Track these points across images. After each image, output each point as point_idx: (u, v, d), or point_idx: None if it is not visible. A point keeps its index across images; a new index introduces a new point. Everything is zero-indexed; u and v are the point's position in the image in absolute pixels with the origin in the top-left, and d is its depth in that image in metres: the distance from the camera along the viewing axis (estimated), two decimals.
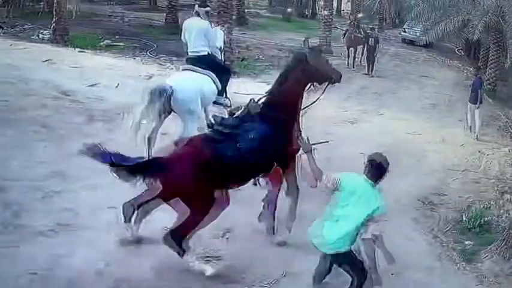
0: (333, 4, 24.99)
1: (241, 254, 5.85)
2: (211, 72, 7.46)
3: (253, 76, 14.72)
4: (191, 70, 7.51)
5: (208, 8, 7.74)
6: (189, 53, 7.65)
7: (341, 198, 4.70)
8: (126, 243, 5.66)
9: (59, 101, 10.07)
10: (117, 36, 17.95)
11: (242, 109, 5.72)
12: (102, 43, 16.66)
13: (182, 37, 7.81)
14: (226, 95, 7.91)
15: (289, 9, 31.11)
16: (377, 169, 4.71)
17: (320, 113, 10.20)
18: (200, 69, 7.42)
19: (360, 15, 25.46)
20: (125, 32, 19.10)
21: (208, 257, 5.69)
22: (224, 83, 7.72)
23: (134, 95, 10.81)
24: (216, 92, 7.66)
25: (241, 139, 5.35)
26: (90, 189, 6.75)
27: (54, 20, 16.17)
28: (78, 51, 15.05)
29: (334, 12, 27.09)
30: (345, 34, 18.57)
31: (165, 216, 6.28)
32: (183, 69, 7.82)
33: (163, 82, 7.44)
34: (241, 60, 14.41)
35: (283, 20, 29.59)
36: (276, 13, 31.46)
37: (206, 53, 7.57)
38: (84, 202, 6.39)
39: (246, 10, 27.16)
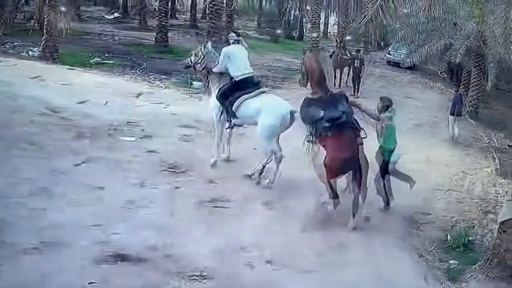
0: (319, 27, 25.48)
1: (229, 272, 5.84)
2: None
3: None
4: (264, 92, 8.63)
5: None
6: (239, 75, 8.39)
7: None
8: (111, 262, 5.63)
9: (47, 117, 10.05)
10: (106, 54, 18.04)
11: None
12: (91, 61, 16.72)
13: (223, 61, 8.41)
14: None
15: (278, 31, 31.59)
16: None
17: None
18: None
19: (346, 37, 26.00)
20: (115, 51, 19.21)
21: (194, 275, 5.67)
22: None
23: (123, 113, 10.94)
24: None
25: None
26: (75, 206, 6.72)
27: (44, 37, 16.23)
28: (68, 69, 15.07)
29: (321, 35, 27.59)
30: (331, 56, 18.90)
31: (151, 234, 6.31)
32: (259, 93, 8.46)
33: (284, 104, 8.40)
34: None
35: (272, 41, 30.02)
36: (264, 34, 31.92)
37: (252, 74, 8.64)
38: (69, 219, 6.35)
39: (235, 31, 27.58)
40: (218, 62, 8.48)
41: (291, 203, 7.77)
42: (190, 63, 8.92)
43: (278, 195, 7.98)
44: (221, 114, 8.51)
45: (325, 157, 7.22)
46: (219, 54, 8.52)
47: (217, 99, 8.51)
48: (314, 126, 7.39)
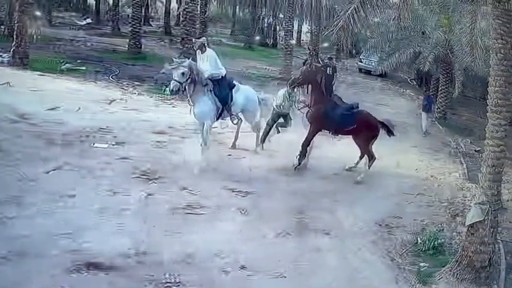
0: (293, 34, 25.76)
1: (203, 279, 5.82)
2: None
3: None
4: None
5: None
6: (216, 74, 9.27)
7: None
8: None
9: (16, 124, 9.82)
10: (79, 61, 17.74)
11: None
12: (63, 67, 16.40)
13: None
14: None
15: (252, 38, 31.79)
16: None
17: (280, 139, 10.45)
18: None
19: (320, 45, 26.35)
20: (87, 57, 18.92)
21: (168, 282, 5.63)
22: None
23: (95, 119, 10.79)
24: None
25: None
26: (45, 214, 6.58)
27: (14, 43, 15.89)
28: (38, 75, 14.76)
29: (295, 42, 27.87)
30: (304, 63, 19.13)
31: (124, 242, 6.24)
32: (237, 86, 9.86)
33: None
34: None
35: (246, 48, 30.16)
36: (238, 41, 32.04)
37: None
38: (39, 228, 6.21)
39: (209, 38, 27.57)
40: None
41: (265, 209, 7.82)
42: (180, 86, 8.75)
43: (252, 201, 8.02)
44: (219, 113, 9.29)
45: None
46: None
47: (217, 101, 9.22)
48: None
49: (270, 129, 10.32)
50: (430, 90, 19.04)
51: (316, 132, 9.72)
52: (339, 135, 10.16)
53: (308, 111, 9.76)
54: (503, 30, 6.53)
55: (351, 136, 9.96)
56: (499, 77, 6.61)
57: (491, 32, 6.79)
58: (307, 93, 9.92)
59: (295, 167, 9.53)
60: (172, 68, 8.72)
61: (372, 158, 9.86)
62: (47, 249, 5.81)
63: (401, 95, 22.17)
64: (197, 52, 9.40)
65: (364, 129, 9.76)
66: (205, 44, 9.42)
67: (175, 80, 8.66)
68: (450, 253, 7.36)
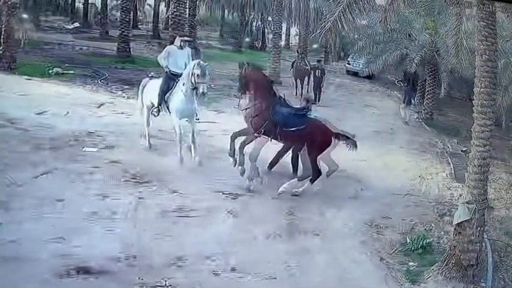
0: (281, 37, 25.83)
1: (194, 281, 5.83)
2: None
3: (205, 104, 14.83)
4: None
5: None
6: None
7: None
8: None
9: (3, 129, 9.72)
10: (67, 65, 17.57)
11: None
12: (51, 71, 16.24)
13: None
14: None
15: (241, 41, 31.84)
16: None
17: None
18: None
19: (308, 48, 26.47)
20: (76, 61, 18.76)
21: (158, 286, 5.63)
22: None
23: (84, 123, 10.73)
24: None
25: None
26: (34, 219, 6.54)
27: (1, 47, 15.74)
28: (26, 79, 14.61)
29: (283, 45, 27.95)
30: (292, 66, 19.23)
31: (114, 246, 6.23)
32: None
33: None
34: (193, 89, 14.51)
35: (234, 51, 30.17)
36: (227, 45, 32.06)
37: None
38: (28, 233, 6.17)
39: (198, 41, 27.58)
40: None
41: (255, 211, 7.85)
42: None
43: (242, 204, 8.04)
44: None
45: None
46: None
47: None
48: None
49: None
50: (417, 91, 19.26)
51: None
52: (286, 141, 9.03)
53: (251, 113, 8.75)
54: (488, 31, 6.65)
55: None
56: (484, 78, 6.72)
57: (476, 34, 6.90)
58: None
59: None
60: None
61: (318, 173, 8.69)
62: (36, 254, 5.78)
63: (388, 97, 22.32)
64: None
65: (317, 137, 8.61)
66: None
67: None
68: (438, 252, 7.45)
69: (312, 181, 8.66)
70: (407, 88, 17.15)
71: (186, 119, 9.21)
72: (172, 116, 9.22)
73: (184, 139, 9.15)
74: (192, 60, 9.28)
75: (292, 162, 9.26)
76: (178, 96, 9.09)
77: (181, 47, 9.61)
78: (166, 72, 9.33)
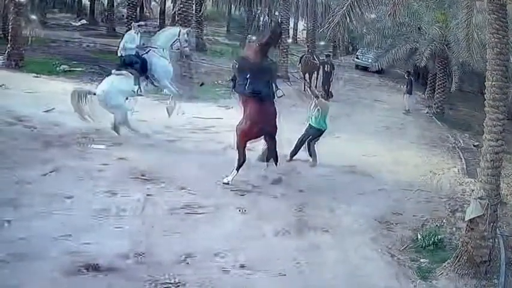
0: (289, 32, 25.72)
1: (203, 278, 5.79)
2: None
3: (212, 100, 14.83)
4: None
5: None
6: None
7: None
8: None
9: (12, 126, 9.78)
10: (74, 62, 17.66)
11: None
12: (58, 68, 16.33)
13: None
14: None
15: (248, 36, 31.73)
16: None
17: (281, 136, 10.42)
18: None
19: (317, 43, 26.34)
20: (83, 58, 18.84)
21: (168, 283, 5.60)
22: None
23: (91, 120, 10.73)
24: None
25: None
26: (43, 217, 6.54)
27: (9, 45, 15.83)
28: (34, 77, 14.70)
29: (291, 40, 27.86)
30: (300, 60, 19.12)
31: (123, 243, 6.21)
32: None
33: None
34: (200, 85, 14.46)
35: (241, 46, 30.11)
36: (233, 40, 31.99)
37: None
38: (37, 230, 6.17)
39: (205, 37, 27.54)
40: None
41: (264, 207, 7.80)
42: None
43: (251, 200, 7.99)
44: None
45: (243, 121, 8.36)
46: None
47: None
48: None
49: None
50: (428, 86, 19.12)
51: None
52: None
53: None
54: (499, 24, 6.52)
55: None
56: (496, 72, 6.60)
57: (487, 27, 6.78)
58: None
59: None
60: None
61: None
62: (45, 252, 5.77)
63: (398, 91, 22.19)
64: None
65: None
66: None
67: None
68: (450, 248, 7.35)
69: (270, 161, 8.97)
70: (408, 79, 17.64)
71: None
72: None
73: None
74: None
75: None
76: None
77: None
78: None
